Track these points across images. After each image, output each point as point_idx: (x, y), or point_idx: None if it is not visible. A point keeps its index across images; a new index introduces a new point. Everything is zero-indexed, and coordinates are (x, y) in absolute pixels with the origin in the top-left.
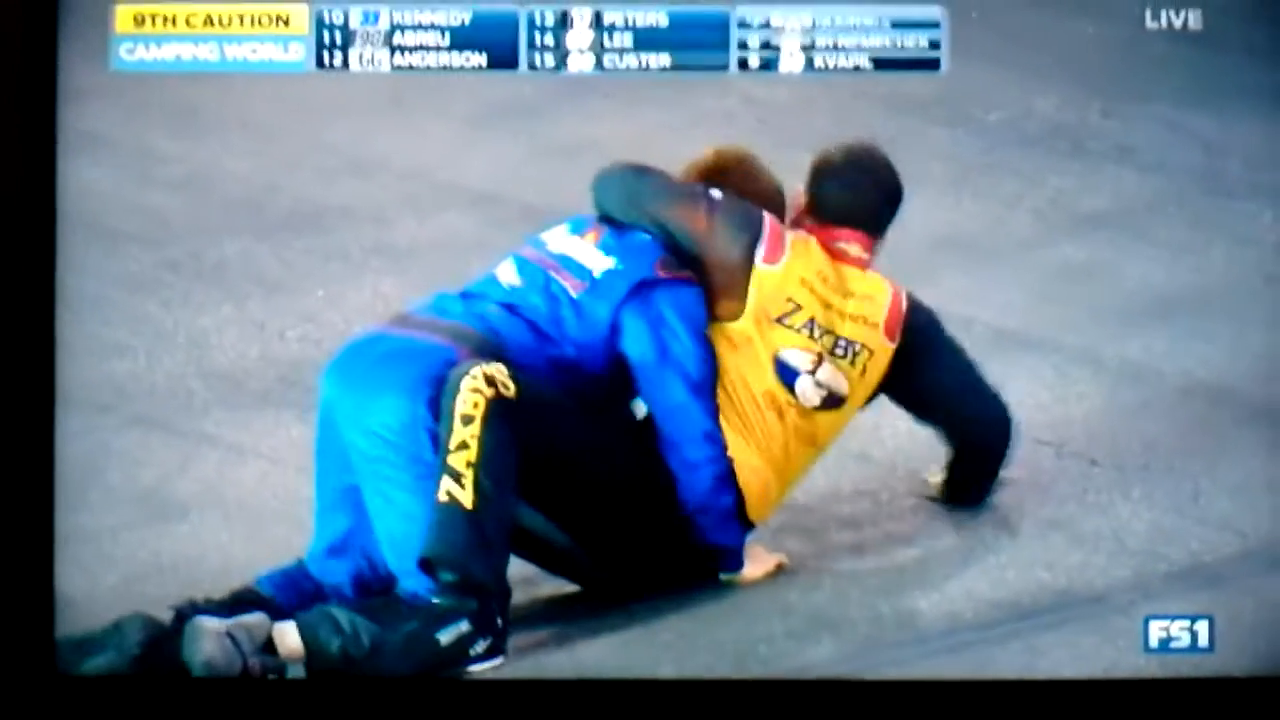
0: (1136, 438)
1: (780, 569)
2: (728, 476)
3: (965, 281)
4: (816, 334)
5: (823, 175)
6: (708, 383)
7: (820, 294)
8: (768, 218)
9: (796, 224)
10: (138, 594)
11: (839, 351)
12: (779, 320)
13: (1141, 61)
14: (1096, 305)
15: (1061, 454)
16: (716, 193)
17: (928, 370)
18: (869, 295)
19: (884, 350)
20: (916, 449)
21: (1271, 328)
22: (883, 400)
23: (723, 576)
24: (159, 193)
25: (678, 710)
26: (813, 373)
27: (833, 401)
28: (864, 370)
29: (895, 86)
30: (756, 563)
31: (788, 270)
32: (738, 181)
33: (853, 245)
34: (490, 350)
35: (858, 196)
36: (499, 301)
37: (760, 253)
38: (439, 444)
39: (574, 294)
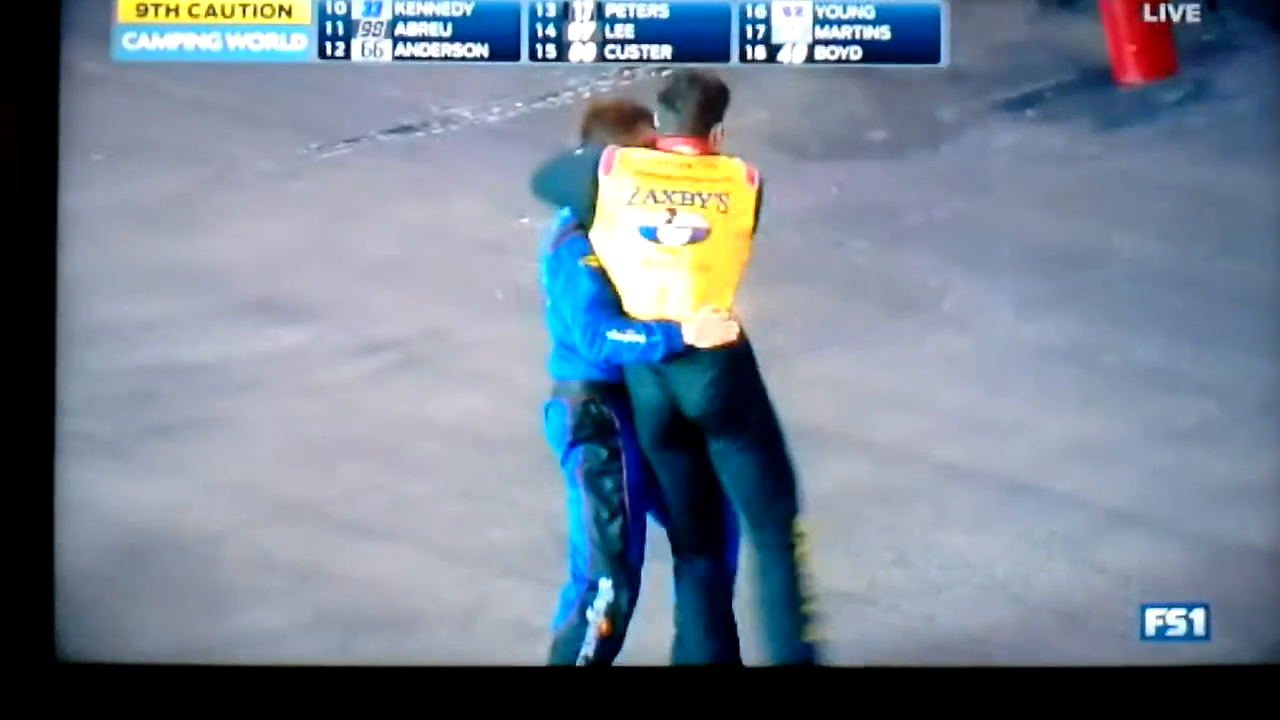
0: (1230, 582)
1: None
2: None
3: (1091, 476)
4: (659, 199)
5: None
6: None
7: (658, 174)
8: (608, 148)
9: (650, 145)
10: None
11: (689, 201)
12: (628, 203)
13: (1213, 308)
14: (1187, 491)
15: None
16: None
17: None
18: (717, 167)
19: (746, 192)
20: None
21: None
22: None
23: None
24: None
25: None
26: (669, 221)
27: (698, 235)
28: (726, 209)
29: (1036, 337)
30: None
31: (621, 169)
32: (613, 120)
33: (685, 146)
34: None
35: (678, 116)
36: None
37: (601, 169)
38: None
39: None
